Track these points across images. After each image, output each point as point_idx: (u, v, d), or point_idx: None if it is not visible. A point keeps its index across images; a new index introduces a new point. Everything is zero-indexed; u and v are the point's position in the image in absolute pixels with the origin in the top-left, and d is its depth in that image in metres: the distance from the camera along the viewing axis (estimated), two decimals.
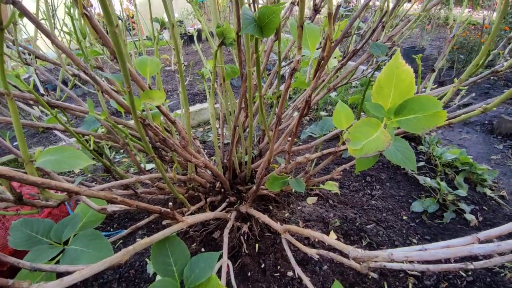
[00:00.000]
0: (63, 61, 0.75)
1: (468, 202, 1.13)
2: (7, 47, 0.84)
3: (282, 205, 1.16)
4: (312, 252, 0.66)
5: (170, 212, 0.64)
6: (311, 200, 1.20)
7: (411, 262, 0.45)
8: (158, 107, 0.62)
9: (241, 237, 1.00)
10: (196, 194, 1.05)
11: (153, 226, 1.13)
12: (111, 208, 0.58)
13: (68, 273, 0.41)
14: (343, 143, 0.71)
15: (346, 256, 0.57)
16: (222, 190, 1.09)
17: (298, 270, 0.66)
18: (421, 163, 1.35)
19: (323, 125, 1.01)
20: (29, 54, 0.82)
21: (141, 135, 0.52)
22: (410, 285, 0.84)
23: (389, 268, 0.52)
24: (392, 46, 0.85)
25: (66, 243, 0.58)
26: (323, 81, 0.94)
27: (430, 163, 1.36)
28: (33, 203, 0.51)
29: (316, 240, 1.03)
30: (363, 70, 1.27)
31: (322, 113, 2.09)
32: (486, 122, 1.85)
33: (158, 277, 0.94)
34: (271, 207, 1.15)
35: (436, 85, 0.80)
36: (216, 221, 1.08)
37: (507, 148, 1.57)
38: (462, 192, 1.13)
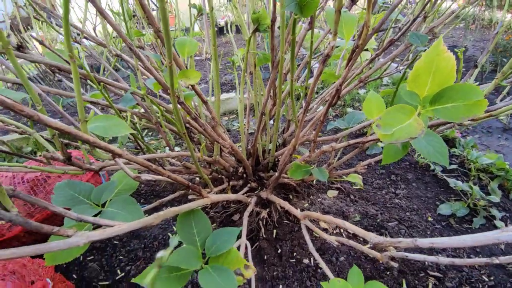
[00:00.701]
0: (108, 42, 0.81)
1: (499, 209, 1.07)
2: (57, 25, 0.92)
3: (302, 195, 1.17)
4: (331, 238, 0.67)
5: (197, 187, 0.67)
6: (331, 193, 1.19)
7: (435, 253, 0.44)
8: (192, 86, 0.65)
9: (260, 222, 1.02)
10: (219, 176, 1.09)
11: (176, 204, 1.19)
12: (145, 177, 0.62)
13: (108, 227, 0.45)
14: (372, 134, 0.70)
15: (366, 244, 0.57)
16: (244, 175, 1.12)
17: (317, 256, 0.67)
18: (453, 166, 1.28)
19: (351, 118, 0.99)
20: (78, 34, 0.89)
21: (175, 112, 0.55)
22: (430, 285, 0.81)
23: (411, 258, 0.52)
24: (432, 38, 0.81)
25: (103, 206, 0.63)
26: (354, 74, 0.92)
27: (463, 167, 1.29)
28: (79, 165, 0.57)
29: (335, 231, 1.03)
30: (397, 66, 1.22)
31: (349, 109, 2.04)
32: None
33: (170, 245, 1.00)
34: (291, 197, 1.16)
35: (477, 83, 0.76)
36: (236, 204, 1.11)
37: None
38: (495, 198, 1.07)
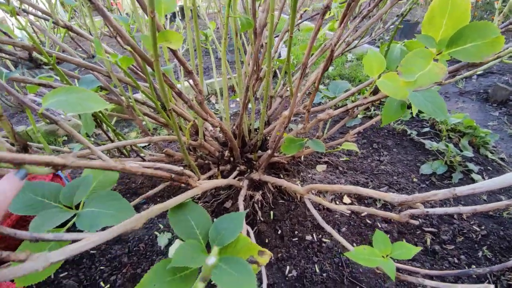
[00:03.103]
0: (54, 11, 0.66)
1: (473, 163, 1.15)
2: None
3: (292, 173, 1.13)
4: (342, 208, 0.63)
5: (183, 176, 0.58)
6: (320, 167, 1.17)
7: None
8: (174, 53, 0.54)
9: (255, 205, 0.96)
10: (205, 162, 1.00)
11: (158, 200, 1.08)
12: (130, 165, 0.51)
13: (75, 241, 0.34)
14: (373, 93, 0.67)
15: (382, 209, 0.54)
16: (231, 159, 1.04)
17: (329, 228, 0.64)
18: (426, 129, 1.35)
19: (335, 87, 0.97)
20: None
21: (160, 83, 0.45)
22: (428, 240, 0.84)
23: (431, 213, 0.50)
24: None
25: (77, 207, 0.52)
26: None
27: (434, 129, 1.37)
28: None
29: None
30: (367, 50, 1.23)
31: (321, 86, 2.05)
32: (481, 91, 1.88)
33: (171, 249, 0.90)
34: (281, 176, 1.12)
35: None
36: (227, 191, 1.03)
37: (502, 115, 1.61)
38: (468, 153, 1.14)
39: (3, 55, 0.60)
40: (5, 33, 0.57)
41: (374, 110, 1.52)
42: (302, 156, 1.22)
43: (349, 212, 0.65)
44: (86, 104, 0.39)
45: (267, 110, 1.16)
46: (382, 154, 1.24)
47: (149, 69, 0.59)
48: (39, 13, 0.68)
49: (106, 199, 0.52)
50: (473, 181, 1.07)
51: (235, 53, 0.81)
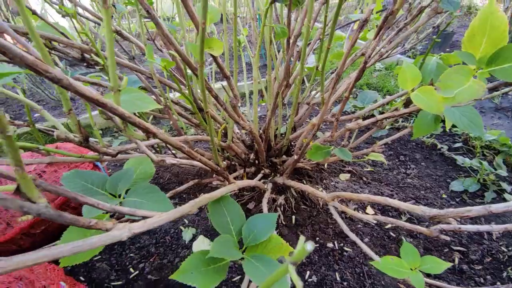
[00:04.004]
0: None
1: (506, 183, 1.09)
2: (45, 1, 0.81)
3: (315, 180, 1.14)
4: (368, 217, 0.64)
5: (224, 172, 0.62)
6: (344, 176, 1.17)
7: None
8: (215, 59, 0.58)
9: (278, 209, 0.98)
10: (232, 163, 1.04)
11: (184, 196, 1.13)
12: (169, 160, 0.56)
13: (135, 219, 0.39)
14: (405, 105, 0.67)
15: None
16: (256, 162, 1.07)
17: (353, 236, 0.64)
18: (458, 144, 1.30)
19: (364, 97, 0.97)
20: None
21: (201, 87, 0.49)
22: (456, 259, 0.81)
23: (464, 230, 0.50)
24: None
25: (119, 196, 0.57)
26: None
27: (467, 144, 1.31)
28: (96, 148, 0.49)
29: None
30: (398, 60, 1.21)
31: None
32: None
33: (195, 244, 0.94)
34: (304, 182, 1.13)
35: None
36: (250, 192, 1.06)
37: None
38: (503, 172, 1.09)
39: (57, 53, 0.68)
40: (62, 34, 0.64)
41: (402, 121, 1.48)
42: (326, 164, 1.23)
43: (375, 222, 0.65)
44: (143, 104, 0.44)
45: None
46: (409, 167, 1.21)
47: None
48: (90, 16, 0.76)
49: (146, 190, 0.56)
50: (505, 201, 1.02)
51: (267, 61, 0.85)
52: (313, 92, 1.17)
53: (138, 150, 0.69)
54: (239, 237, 0.54)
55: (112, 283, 0.82)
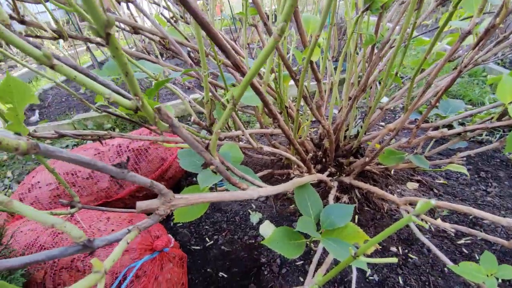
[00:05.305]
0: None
1: None
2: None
3: (379, 185, 1.14)
4: (445, 225, 0.64)
5: (309, 162, 0.70)
6: (411, 185, 1.14)
7: None
8: (311, 64, 0.66)
9: None
10: (302, 158, 1.11)
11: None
12: (266, 148, 0.66)
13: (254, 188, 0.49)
14: (499, 118, 0.65)
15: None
16: (323, 160, 1.12)
17: (426, 241, 0.66)
18: None
19: (447, 106, 0.94)
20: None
21: (300, 86, 0.57)
22: None
23: None
24: None
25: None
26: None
27: None
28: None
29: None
30: (485, 67, 1.11)
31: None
32: None
33: (261, 227, 1.05)
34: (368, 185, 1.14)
35: None
36: (316, 188, 1.12)
37: None
38: None
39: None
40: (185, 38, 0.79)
41: (486, 135, 1.36)
42: (392, 170, 1.21)
43: (453, 231, 0.65)
44: (254, 99, 0.54)
45: (362, 121, 1.20)
46: (490, 184, 1.12)
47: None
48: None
49: (243, 171, 0.67)
50: None
51: (347, 68, 0.89)
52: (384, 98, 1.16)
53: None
54: (316, 221, 0.62)
55: (193, 247, 0.97)
